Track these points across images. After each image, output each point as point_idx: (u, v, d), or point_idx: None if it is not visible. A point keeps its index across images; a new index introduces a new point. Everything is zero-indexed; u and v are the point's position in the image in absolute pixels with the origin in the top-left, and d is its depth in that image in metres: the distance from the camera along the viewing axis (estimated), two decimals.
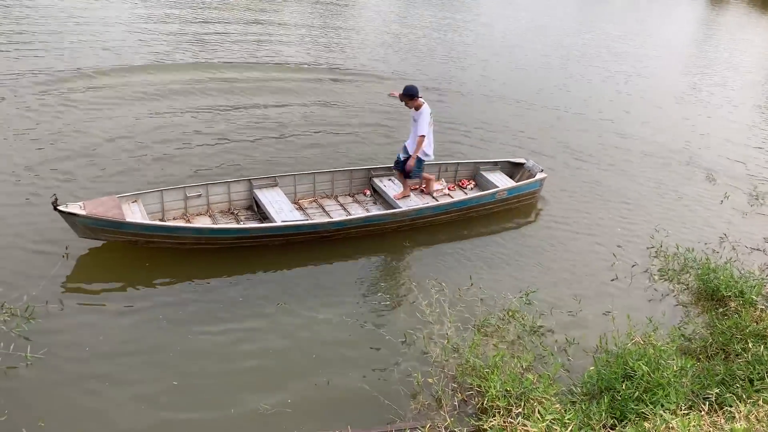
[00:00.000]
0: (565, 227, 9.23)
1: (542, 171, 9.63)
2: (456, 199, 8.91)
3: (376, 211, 8.66)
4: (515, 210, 9.48)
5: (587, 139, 12.77)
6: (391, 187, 9.08)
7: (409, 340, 6.41)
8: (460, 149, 11.52)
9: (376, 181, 9.20)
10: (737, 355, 5.97)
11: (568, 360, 6.37)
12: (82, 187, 8.58)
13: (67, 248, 7.16)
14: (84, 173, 8.97)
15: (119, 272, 7.04)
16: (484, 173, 9.80)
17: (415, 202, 8.73)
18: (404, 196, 8.74)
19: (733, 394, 5.30)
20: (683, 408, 4.97)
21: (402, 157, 8.68)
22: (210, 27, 17.47)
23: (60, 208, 6.70)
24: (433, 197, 9.27)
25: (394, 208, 8.45)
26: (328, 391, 5.75)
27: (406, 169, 8.57)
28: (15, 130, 9.94)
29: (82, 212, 6.77)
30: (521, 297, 7.19)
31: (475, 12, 25.20)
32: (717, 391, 5.31)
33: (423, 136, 8.29)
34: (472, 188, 9.81)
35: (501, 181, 9.54)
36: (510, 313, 6.91)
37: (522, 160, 10.02)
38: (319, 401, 5.62)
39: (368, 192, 9.27)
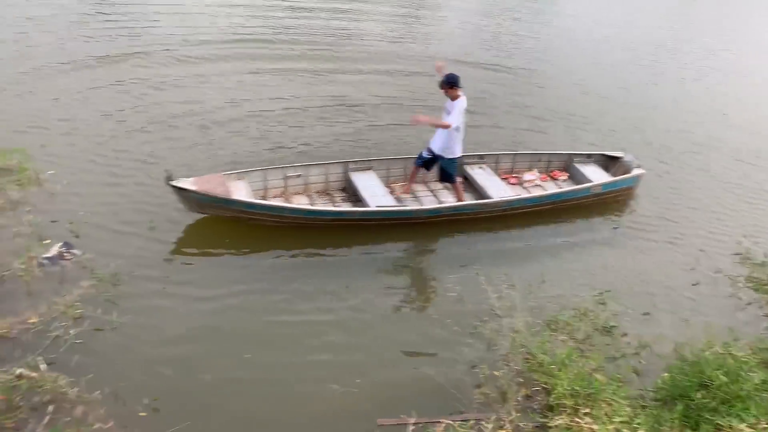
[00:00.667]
0: (649, 227, 8.90)
1: (640, 167, 9.27)
2: (549, 192, 8.86)
3: (467, 199, 8.61)
4: (605, 205, 9.22)
5: (676, 139, 12.25)
6: (482, 175, 9.04)
7: (477, 332, 6.38)
8: (548, 139, 11.33)
9: (467, 168, 9.18)
10: None
11: (640, 363, 6.17)
12: (184, 163, 8.94)
13: (152, 222, 7.51)
14: (189, 151, 9.44)
15: (205, 247, 7.35)
16: (578, 165, 9.58)
17: (506, 192, 8.70)
18: (458, 199, 8.46)
19: None
20: (764, 423, 4.74)
21: (426, 154, 8.30)
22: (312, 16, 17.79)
23: (173, 183, 7.12)
24: (524, 188, 9.23)
25: (485, 197, 8.48)
26: (396, 376, 5.81)
27: (444, 169, 8.30)
28: (114, 107, 10.51)
29: (194, 188, 7.19)
30: (595, 296, 7.02)
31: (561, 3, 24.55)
32: None
33: (450, 125, 7.78)
34: (564, 180, 9.58)
35: (595, 174, 9.30)
36: (582, 312, 6.75)
37: (619, 154, 9.69)
38: (386, 386, 5.68)
39: (460, 179, 9.16)
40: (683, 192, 10.09)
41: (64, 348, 5.49)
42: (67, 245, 6.79)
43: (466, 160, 9.20)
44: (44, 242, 6.80)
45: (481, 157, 9.36)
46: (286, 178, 8.31)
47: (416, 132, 10.48)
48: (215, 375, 5.56)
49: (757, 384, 5.07)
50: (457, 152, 8.12)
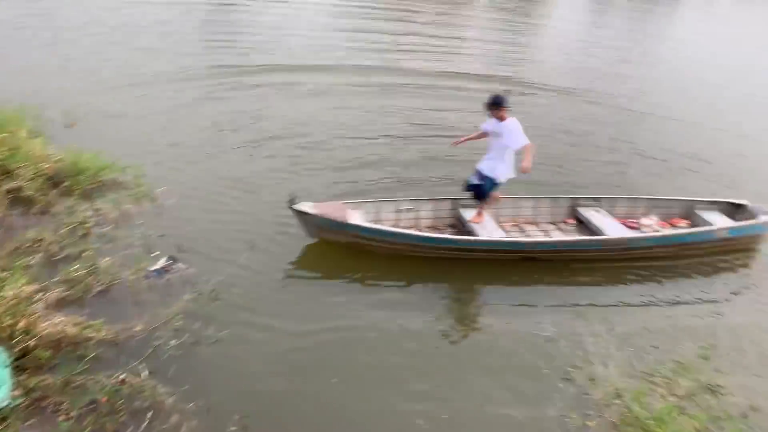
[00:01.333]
0: (763, 282, 8.28)
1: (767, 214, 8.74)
2: (671, 232, 8.55)
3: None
4: (730, 254, 8.70)
5: None
6: (597, 217, 8.78)
7: (570, 378, 6.13)
8: (655, 184, 10.95)
9: (581, 210, 8.97)
10: None
11: (749, 428, 5.71)
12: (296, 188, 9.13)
13: (253, 242, 7.79)
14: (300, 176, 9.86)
15: (307, 273, 7.62)
16: (699, 213, 9.09)
17: (624, 231, 8.46)
18: (478, 221, 8.30)
19: None
20: None
21: (475, 180, 8.07)
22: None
23: (295, 207, 7.51)
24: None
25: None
26: (483, 415, 5.65)
27: (483, 186, 7.99)
28: (226, 126, 11.09)
29: (314, 212, 7.54)
30: (699, 350, 6.60)
31: (671, 32, 23.72)
32: None
33: (529, 144, 7.52)
34: (685, 228, 9.06)
35: (720, 222, 8.80)
36: (684, 366, 6.36)
37: (744, 201, 9.14)
38: (467, 423, 5.55)
39: (572, 221, 9.05)
40: None
41: (164, 358, 5.73)
42: (173, 259, 7.15)
43: (581, 202, 9.04)
44: (152, 255, 7.20)
45: (596, 199, 9.13)
46: (398, 211, 8.48)
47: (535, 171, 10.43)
48: (305, 404, 5.60)
49: None
50: (509, 173, 7.92)
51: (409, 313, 6.98)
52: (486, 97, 7.85)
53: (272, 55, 15.17)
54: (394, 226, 8.35)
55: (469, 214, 8.50)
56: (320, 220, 7.60)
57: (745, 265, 8.66)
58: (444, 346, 6.54)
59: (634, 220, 9.08)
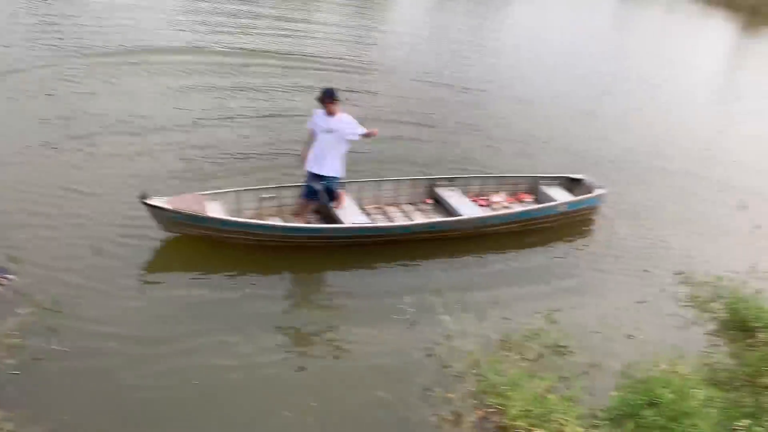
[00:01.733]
0: (609, 244, 9.29)
1: (601, 187, 9.65)
2: (519, 209, 9.15)
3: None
4: (566, 227, 9.51)
5: (623, 162, 12.69)
6: (453, 197, 9.24)
7: (432, 354, 6.36)
8: (506, 161, 11.63)
9: (438, 190, 9.41)
10: (765, 388, 5.83)
11: (591, 382, 6.25)
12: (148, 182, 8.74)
13: (96, 245, 7.29)
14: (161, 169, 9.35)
15: (159, 272, 7.28)
16: (543, 188, 9.89)
17: (479, 212, 8.93)
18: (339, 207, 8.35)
19: (761, 427, 5.17)
20: None
21: (313, 187, 7.86)
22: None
23: (147, 201, 7.07)
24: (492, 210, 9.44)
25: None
26: (347, 400, 5.73)
27: (330, 188, 7.93)
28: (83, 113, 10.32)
29: (167, 206, 7.14)
30: (546, 315, 7.13)
31: (508, 19, 25.17)
32: (745, 423, 5.18)
33: (369, 132, 7.58)
34: (530, 202, 9.88)
35: (561, 196, 9.61)
36: (534, 332, 6.83)
37: (581, 176, 10.06)
38: (337, 410, 5.60)
39: (429, 201, 9.46)
40: (629, 214, 10.39)
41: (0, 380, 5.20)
42: (3, 270, 6.48)
43: (438, 183, 9.49)
44: None
45: (451, 180, 9.64)
46: (260, 200, 8.30)
47: (389, 152, 10.90)
48: (166, 406, 5.37)
49: (701, 400, 5.21)
50: (342, 171, 7.92)
51: (272, 304, 6.92)
52: (321, 85, 7.91)
53: (105, 37, 14.15)
54: (256, 215, 8.21)
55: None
56: (176, 215, 7.25)
57: (582, 235, 9.53)
58: (307, 337, 6.55)
59: (486, 198, 9.68)
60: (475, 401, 5.65)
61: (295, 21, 19.26)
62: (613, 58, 22.80)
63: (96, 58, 13.33)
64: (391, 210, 9.13)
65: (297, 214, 8.24)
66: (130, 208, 7.60)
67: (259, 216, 8.26)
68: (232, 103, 12.24)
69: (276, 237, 7.75)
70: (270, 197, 8.39)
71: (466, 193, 9.57)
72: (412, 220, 8.76)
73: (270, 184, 8.64)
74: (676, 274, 8.61)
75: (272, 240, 7.76)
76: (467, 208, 8.92)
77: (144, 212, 7.32)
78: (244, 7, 19.70)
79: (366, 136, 7.67)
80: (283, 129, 11.28)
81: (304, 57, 15.91)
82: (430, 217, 8.96)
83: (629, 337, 7.09)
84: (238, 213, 8.10)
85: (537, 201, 9.87)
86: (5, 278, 6.38)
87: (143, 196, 7.10)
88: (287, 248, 7.81)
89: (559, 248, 9.08)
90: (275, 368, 6.01)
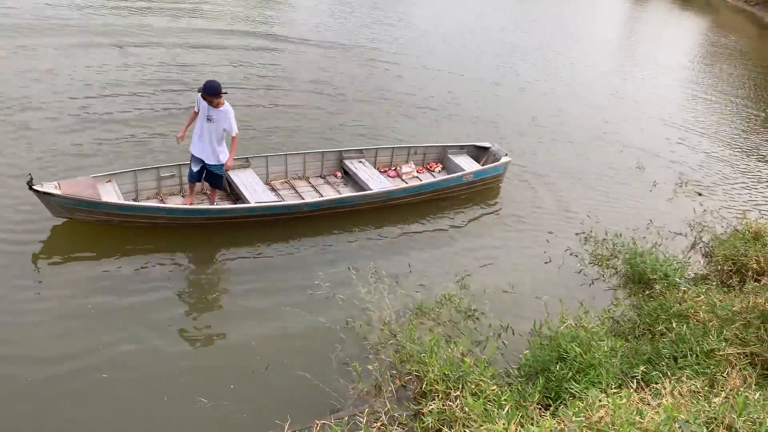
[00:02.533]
0: (516, 209, 9.59)
1: (507, 155, 9.85)
2: (425, 181, 9.21)
3: (347, 192, 8.80)
4: (475, 194, 9.69)
5: (529, 128, 13.07)
6: (362, 169, 9.19)
7: (349, 327, 6.39)
8: (418, 131, 11.69)
9: (347, 163, 9.33)
10: (662, 335, 6.22)
11: (504, 343, 6.49)
12: (51, 164, 8.39)
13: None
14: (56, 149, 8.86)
15: (64, 256, 6.88)
16: (451, 157, 10.03)
17: (386, 184, 8.90)
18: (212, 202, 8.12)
19: (659, 371, 5.52)
20: (613, 387, 5.14)
21: (195, 169, 7.56)
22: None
23: (35, 187, 6.62)
24: (402, 180, 9.58)
25: (365, 190, 8.61)
26: (268, 380, 5.69)
27: (216, 174, 7.65)
28: None
29: (57, 192, 6.74)
30: (457, 281, 7.30)
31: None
32: (644, 369, 5.51)
33: (237, 135, 7.44)
34: (439, 171, 10.03)
35: (467, 165, 9.80)
36: (447, 297, 6.99)
37: (487, 144, 10.26)
38: (258, 393, 5.56)
39: (339, 174, 9.36)
40: (534, 178, 10.76)
41: None
42: None
43: (346, 155, 9.40)
44: None
45: (360, 151, 9.60)
46: (159, 178, 7.94)
47: (294, 127, 10.84)
48: (78, 404, 5.14)
49: (606, 351, 5.50)
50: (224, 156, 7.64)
51: (178, 289, 6.75)
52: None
53: None
54: (156, 195, 7.90)
55: (238, 175, 8.29)
56: (68, 201, 6.86)
57: (489, 202, 9.77)
58: (220, 318, 6.43)
59: (395, 168, 9.76)
60: (393, 371, 5.73)
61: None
62: (520, 32, 23.33)
63: None
64: (300, 184, 8.99)
65: (187, 197, 7.90)
66: (18, 191, 7.19)
67: (159, 195, 7.95)
68: (123, 77, 11.68)
69: (177, 219, 7.50)
70: (170, 175, 8.04)
71: (375, 164, 9.59)
72: (321, 196, 8.67)
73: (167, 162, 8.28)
74: (578, 234, 9.02)
75: (173, 222, 7.51)
76: (376, 181, 8.90)
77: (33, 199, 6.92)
78: None
79: (231, 150, 7.51)
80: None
81: (203, 30, 15.35)
82: (339, 191, 8.91)
83: (537, 297, 7.36)
84: (137, 194, 7.76)
85: (446, 169, 10.05)
86: None
87: (30, 182, 6.63)
88: (192, 227, 7.62)
89: (468, 216, 9.28)
90: (190, 354, 5.88)
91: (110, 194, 7.25)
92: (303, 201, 8.29)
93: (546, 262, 8.25)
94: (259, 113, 11.32)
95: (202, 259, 7.36)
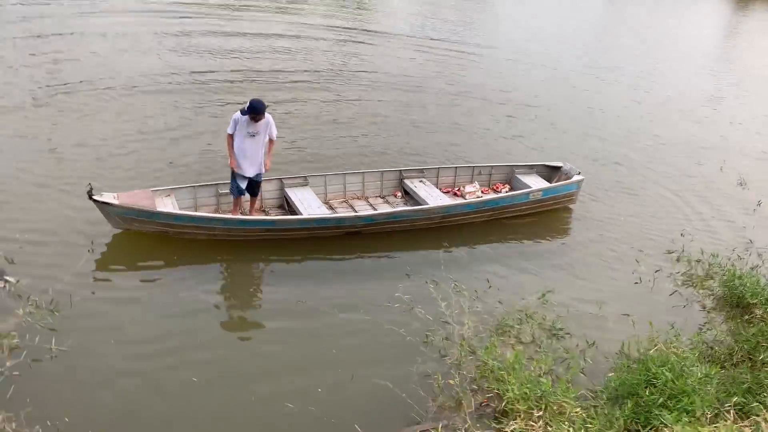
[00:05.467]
0: (595, 228, 9.21)
1: (579, 173, 9.41)
2: (486, 198, 8.92)
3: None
4: (548, 212, 9.39)
5: (615, 142, 12.72)
6: (422, 188, 9.03)
7: (429, 341, 6.38)
8: (486, 152, 11.52)
9: (407, 182, 9.18)
10: (764, 364, 5.88)
11: (588, 363, 6.28)
12: (117, 178, 8.81)
13: (92, 243, 7.31)
14: (121, 165, 9.31)
15: (143, 264, 7.20)
16: (519, 176, 9.66)
17: (445, 200, 8.72)
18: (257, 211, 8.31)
19: (760, 402, 5.21)
20: (708, 416, 4.90)
21: (244, 185, 7.69)
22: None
23: (95, 197, 6.94)
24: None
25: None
26: (350, 389, 5.75)
27: (258, 183, 7.85)
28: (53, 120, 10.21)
29: (115, 202, 7.03)
30: (539, 298, 7.16)
31: (491, 12, 25.06)
32: (743, 399, 5.22)
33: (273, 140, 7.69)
34: (507, 192, 9.54)
35: (537, 184, 9.36)
36: (528, 315, 6.86)
37: (559, 163, 9.82)
38: (341, 400, 5.62)
39: (399, 194, 9.24)
40: (621, 195, 10.41)
41: (0, 381, 5.21)
42: (1, 272, 6.48)
43: (406, 174, 9.26)
44: None
45: (421, 171, 9.42)
46: (218, 195, 8.13)
47: (358, 147, 10.90)
48: (164, 402, 5.38)
49: (699, 378, 5.25)
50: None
51: (253, 300, 6.96)
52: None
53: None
54: (215, 210, 8.04)
55: (295, 192, 8.39)
56: (125, 210, 7.11)
57: (566, 219, 9.45)
58: (302, 327, 6.52)
59: (458, 189, 9.48)
60: (474, 386, 5.70)
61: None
62: (606, 48, 22.72)
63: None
64: (358, 203, 8.90)
65: (233, 210, 8.00)
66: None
67: (218, 211, 8.05)
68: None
69: (232, 231, 7.59)
70: (228, 192, 8.05)
71: (437, 184, 9.36)
72: (375, 211, 8.50)
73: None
74: (670, 252, 8.63)
75: (230, 235, 7.63)
76: (436, 200, 8.66)
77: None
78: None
79: (269, 155, 7.74)
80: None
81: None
82: (392, 208, 8.66)
83: (624, 316, 7.10)
84: (195, 209, 7.91)
85: (513, 190, 9.58)
86: (5, 281, 6.38)
87: (90, 192, 6.94)
88: (252, 242, 7.73)
89: (542, 234, 8.99)
90: (274, 361, 6.02)
91: (167, 207, 7.45)
92: (355, 214, 8.19)
93: (636, 282, 7.91)
94: (321, 130, 11.53)
95: (272, 270, 7.50)
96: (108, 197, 7.08)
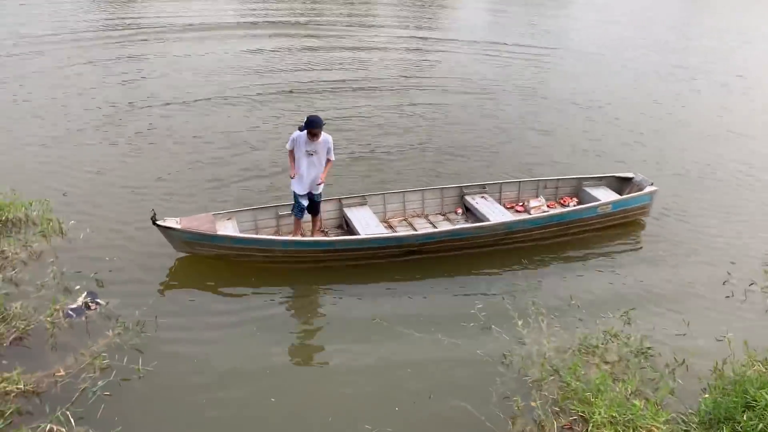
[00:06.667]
0: (674, 243, 8.75)
1: (652, 184, 8.94)
2: (552, 212, 8.58)
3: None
4: (621, 226, 9.01)
5: (694, 152, 12.17)
6: (484, 204, 8.79)
7: (507, 361, 6.23)
8: (551, 166, 11.24)
9: (468, 198, 8.99)
10: None
11: (678, 383, 5.96)
12: (180, 202, 9.14)
13: (169, 268, 7.59)
14: (186, 190, 9.61)
15: (223, 286, 7.36)
16: (587, 189, 9.29)
17: (507, 215, 8.47)
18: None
19: None
20: None
21: (306, 203, 7.75)
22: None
23: (158, 222, 7.19)
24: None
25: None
26: (428, 409, 5.67)
27: (318, 202, 7.91)
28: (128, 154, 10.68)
29: (178, 227, 7.24)
30: (622, 316, 6.88)
31: (564, 16, 24.58)
32: None
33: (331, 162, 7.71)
34: (574, 206, 9.12)
35: (606, 197, 8.95)
36: (612, 333, 6.59)
37: (630, 174, 9.36)
38: (418, 421, 5.54)
39: (460, 210, 9.08)
40: (707, 203, 9.96)
41: (92, 400, 5.44)
42: (92, 295, 6.81)
43: (467, 191, 9.05)
44: (69, 293, 6.82)
45: (482, 186, 9.17)
46: (278, 217, 8.20)
47: (424, 166, 10.83)
48: (248, 424, 5.48)
49: None
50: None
51: (322, 319, 6.99)
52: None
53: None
54: (276, 233, 8.05)
55: (354, 213, 8.35)
56: (186, 235, 7.28)
57: (635, 233, 9.02)
58: (378, 347, 6.48)
59: (523, 204, 9.17)
60: (555, 409, 5.51)
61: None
62: (687, 50, 21.86)
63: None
64: (418, 222, 8.76)
65: (294, 231, 8.03)
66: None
67: (278, 233, 8.06)
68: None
69: (291, 253, 7.58)
70: (288, 214, 8.14)
71: (500, 200, 9.09)
72: (434, 229, 8.33)
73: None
74: (765, 265, 8.12)
75: (288, 257, 7.62)
76: (498, 216, 8.40)
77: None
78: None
79: (325, 170, 7.69)
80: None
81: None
82: (452, 226, 8.50)
83: (718, 335, 6.71)
84: (256, 231, 7.97)
85: (581, 203, 9.16)
86: (96, 303, 6.70)
87: (153, 217, 7.17)
88: (322, 263, 7.73)
89: (618, 248, 8.62)
90: (352, 381, 6.02)
91: (228, 231, 7.56)
92: (414, 233, 8.06)
93: (727, 297, 7.49)
94: (385, 147, 11.57)
95: (340, 291, 7.45)
96: (171, 222, 7.30)
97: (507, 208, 8.87)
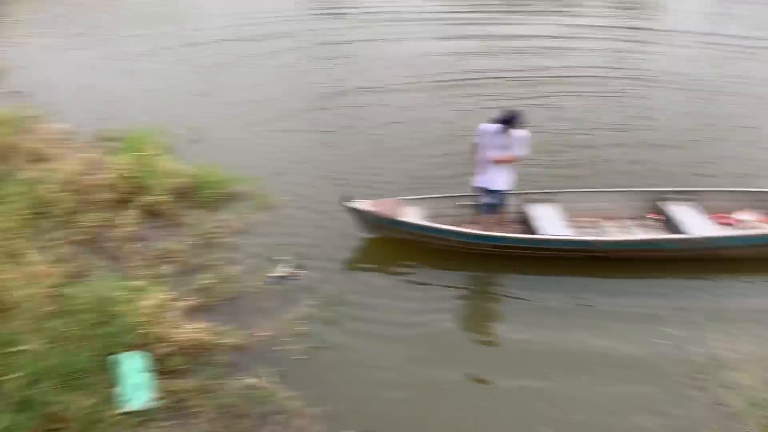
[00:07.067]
0: None
1: None
2: (765, 230, 7.73)
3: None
4: None
5: None
6: (684, 213, 8.07)
7: (699, 386, 5.76)
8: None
9: (666, 205, 8.30)
10: None
11: None
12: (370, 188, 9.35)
13: (366, 243, 8.06)
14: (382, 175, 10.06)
15: (413, 269, 7.69)
16: None
17: (711, 229, 7.76)
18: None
19: None
20: None
21: (489, 200, 7.61)
22: None
23: (347, 204, 7.66)
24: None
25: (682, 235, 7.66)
26: (611, 425, 5.45)
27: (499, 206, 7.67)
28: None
29: (362, 208, 7.69)
30: None
31: None
32: None
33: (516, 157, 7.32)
34: None
35: None
36: None
37: None
38: None
39: (656, 216, 8.40)
40: None
41: (290, 362, 6.00)
42: (294, 266, 7.47)
43: (665, 196, 8.38)
44: (273, 263, 7.53)
45: (682, 192, 8.38)
46: (457, 206, 8.26)
47: (617, 167, 10.25)
48: (436, 411, 5.63)
49: None
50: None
51: (515, 315, 6.99)
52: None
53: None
54: (454, 222, 7.99)
55: (536, 209, 8.10)
56: (373, 217, 7.68)
57: None
58: (558, 355, 6.33)
59: (728, 216, 8.22)
60: None
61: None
62: None
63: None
64: (607, 224, 8.23)
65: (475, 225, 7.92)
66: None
67: (457, 222, 8.01)
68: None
69: (464, 244, 7.62)
70: (470, 204, 8.09)
71: (702, 208, 8.18)
72: (627, 236, 7.87)
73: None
74: None
75: (463, 247, 7.67)
76: (698, 227, 7.65)
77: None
78: None
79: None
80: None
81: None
82: (647, 234, 7.91)
83: None
84: (437, 219, 8.00)
85: None
86: (297, 274, 7.36)
87: (343, 198, 7.65)
88: (505, 256, 7.70)
89: None
90: (525, 388, 5.96)
91: (412, 216, 7.81)
92: (602, 239, 7.67)
93: None
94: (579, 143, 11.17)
95: (527, 286, 7.39)
96: (361, 204, 7.73)
97: (710, 219, 8.07)
